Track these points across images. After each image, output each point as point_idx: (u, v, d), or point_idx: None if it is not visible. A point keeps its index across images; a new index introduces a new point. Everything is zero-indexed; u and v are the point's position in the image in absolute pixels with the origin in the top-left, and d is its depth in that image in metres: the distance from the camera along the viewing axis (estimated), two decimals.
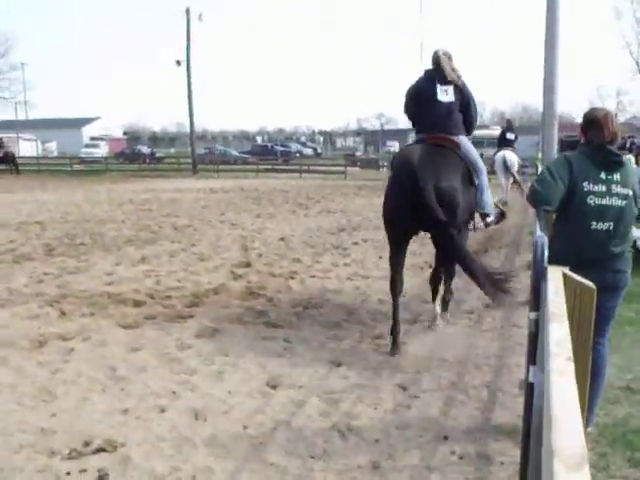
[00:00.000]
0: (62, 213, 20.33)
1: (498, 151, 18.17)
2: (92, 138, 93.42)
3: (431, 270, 8.32)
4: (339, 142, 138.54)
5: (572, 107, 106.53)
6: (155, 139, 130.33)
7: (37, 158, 63.23)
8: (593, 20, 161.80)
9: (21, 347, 6.87)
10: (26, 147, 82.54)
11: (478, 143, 12.67)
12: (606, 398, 5.40)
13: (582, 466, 1.14)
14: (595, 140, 4.78)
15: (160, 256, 12.43)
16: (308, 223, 18.02)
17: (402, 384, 5.96)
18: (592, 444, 4.62)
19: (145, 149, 78.14)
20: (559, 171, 4.77)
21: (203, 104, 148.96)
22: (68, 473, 4.28)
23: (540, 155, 18.39)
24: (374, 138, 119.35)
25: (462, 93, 7.61)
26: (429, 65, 7.73)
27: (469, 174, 7.37)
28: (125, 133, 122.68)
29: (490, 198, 7.90)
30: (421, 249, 13.43)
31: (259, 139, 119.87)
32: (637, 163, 16.18)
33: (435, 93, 7.44)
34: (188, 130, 56.66)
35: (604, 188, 4.67)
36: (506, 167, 17.22)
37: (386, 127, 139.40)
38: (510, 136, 16.44)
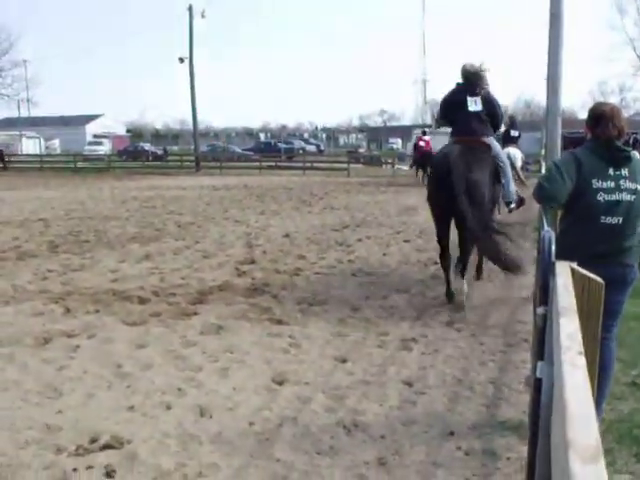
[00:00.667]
0: (66, 210, 20.36)
1: (502, 148, 18.26)
2: (95, 136, 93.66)
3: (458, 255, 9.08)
4: (342, 139, 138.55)
5: (574, 103, 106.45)
6: (158, 136, 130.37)
7: (40, 156, 63.30)
8: (596, 16, 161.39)
9: (26, 344, 6.88)
10: (29, 145, 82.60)
11: None
12: (612, 394, 5.40)
13: (598, 458, 1.14)
14: (602, 136, 4.78)
15: (164, 253, 12.44)
16: (312, 220, 18.03)
17: (407, 380, 5.95)
18: None
19: (148, 146, 78.18)
20: (567, 168, 4.80)
21: (206, 101, 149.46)
22: (75, 469, 4.29)
23: (543, 152, 18.37)
24: (377, 135, 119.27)
25: (488, 101, 9.00)
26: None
27: (497, 171, 8.90)
28: (128, 130, 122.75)
29: (514, 189, 9.43)
30: (426, 245, 13.45)
31: (262, 136, 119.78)
32: None
33: (466, 104, 8.88)
34: (191, 127, 56.75)
35: (613, 184, 4.68)
36: (510, 163, 17.37)
37: (389, 124, 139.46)
38: (514, 133, 16.52)
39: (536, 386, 2.79)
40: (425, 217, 18.42)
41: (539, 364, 2.78)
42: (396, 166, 47.52)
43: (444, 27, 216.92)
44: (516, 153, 16.04)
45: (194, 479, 4.21)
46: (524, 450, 4.29)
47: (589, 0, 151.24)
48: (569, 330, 1.98)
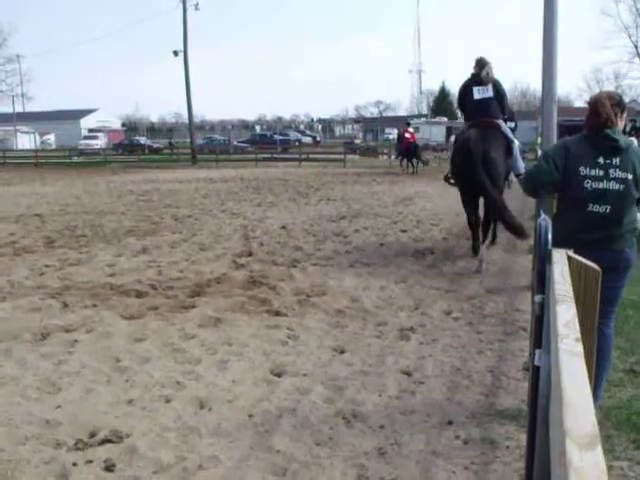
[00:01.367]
0: (62, 205, 20.33)
1: None
2: (90, 130, 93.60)
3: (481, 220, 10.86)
4: (338, 130, 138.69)
5: (570, 91, 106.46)
6: (153, 130, 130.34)
7: (35, 151, 63.22)
8: (590, 3, 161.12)
9: (24, 339, 6.87)
10: (24, 140, 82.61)
11: None
12: (610, 381, 5.42)
13: (595, 445, 1.14)
14: (592, 125, 4.81)
15: (161, 247, 12.43)
16: (308, 211, 18.02)
17: (406, 370, 5.96)
18: None
19: (144, 140, 78.17)
20: (555, 157, 4.94)
21: (201, 94, 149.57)
22: (75, 464, 4.29)
23: (539, 140, 18.59)
24: (373, 126, 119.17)
25: (497, 90, 10.62)
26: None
27: (508, 146, 10.50)
28: (123, 124, 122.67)
29: (521, 162, 11.06)
30: (423, 235, 13.48)
31: (258, 128, 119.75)
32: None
33: (473, 92, 10.53)
34: (186, 121, 56.66)
35: (601, 172, 4.71)
36: None
37: (385, 114, 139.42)
38: (511, 124, 16.79)
39: (534, 374, 2.80)
40: (421, 207, 18.52)
41: (537, 352, 2.79)
42: (392, 157, 47.48)
43: (439, 17, 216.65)
44: (515, 142, 16.28)
45: (194, 472, 4.22)
46: (523, 438, 4.30)
47: None
48: (566, 318, 1.98)
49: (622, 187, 4.71)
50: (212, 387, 5.59)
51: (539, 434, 2.57)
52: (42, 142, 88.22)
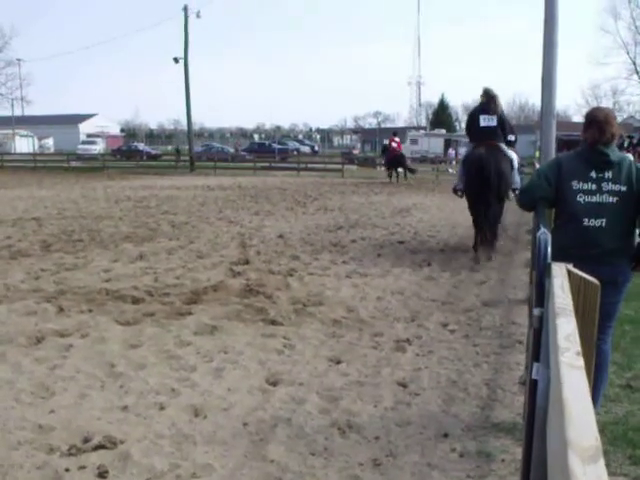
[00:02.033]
0: (59, 209, 20.31)
1: None
2: (89, 135, 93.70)
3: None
4: (336, 140, 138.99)
5: (569, 106, 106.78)
6: (152, 136, 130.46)
7: (33, 155, 63.14)
8: (590, 20, 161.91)
9: (19, 343, 6.85)
10: (22, 143, 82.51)
11: None
12: (607, 396, 5.42)
13: (598, 458, 1.13)
14: (590, 139, 4.83)
15: (158, 253, 12.41)
16: (306, 221, 18.02)
17: (402, 381, 5.95)
18: None
19: (142, 146, 78.24)
20: (548, 173, 5.05)
21: (200, 101, 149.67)
22: (67, 469, 4.28)
23: (538, 154, 18.69)
24: (371, 136, 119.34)
25: (501, 120, 12.40)
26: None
27: (511, 163, 12.24)
28: (122, 130, 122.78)
29: (518, 177, 12.68)
30: (421, 246, 13.49)
31: (256, 137, 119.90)
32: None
33: (479, 119, 12.24)
34: (185, 127, 56.66)
35: (594, 186, 4.75)
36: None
37: (383, 125, 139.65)
38: (511, 138, 17.12)
39: (531, 387, 2.79)
40: (419, 218, 18.53)
41: (535, 365, 2.78)
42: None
43: (439, 30, 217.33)
44: (513, 155, 16.62)
45: None
46: (519, 452, 4.30)
47: (583, 3, 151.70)
48: (567, 331, 1.98)
49: (616, 200, 4.73)
50: (207, 395, 5.58)
51: (536, 447, 2.56)
52: (40, 146, 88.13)
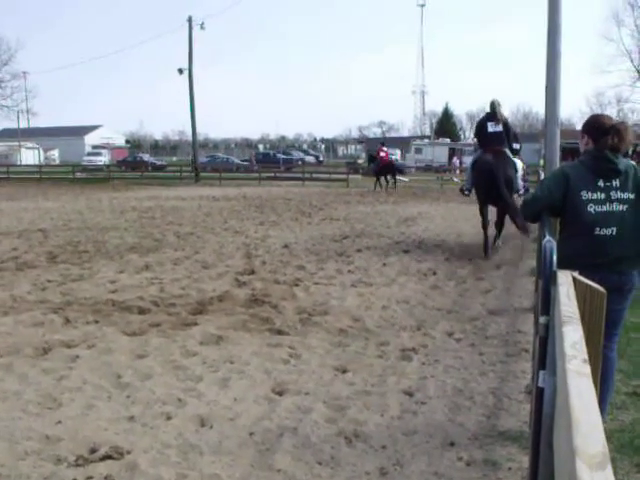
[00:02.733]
0: (65, 221, 20.35)
1: None
2: (94, 146, 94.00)
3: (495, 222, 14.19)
4: (341, 150, 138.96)
5: (573, 114, 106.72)
6: (157, 147, 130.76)
7: (39, 166, 63.29)
8: (593, 27, 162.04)
9: (25, 354, 6.86)
10: (28, 155, 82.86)
11: None
12: (613, 404, 5.40)
13: (605, 465, 1.13)
14: (602, 146, 4.80)
15: (164, 264, 12.43)
16: (311, 231, 18.03)
17: (408, 390, 5.94)
18: None
19: (147, 157, 78.47)
20: (553, 184, 5.00)
21: (205, 112, 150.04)
22: None
23: (542, 162, 18.80)
24: (376, 146, 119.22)
25: (506, 126, 13.86)
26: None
27: (515, 167, 13.54)
28: (127, 141, 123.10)
29: (521, 181, 14.25)
30: (426, 255, 13.48)
31: (261, 147, 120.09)
32: None
33: (487, 127, 13.66)
34: (190, 138, 56.79)
35: (603, 195, 4.73)
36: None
37: (387, 135, 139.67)
38: (516, 146, 17.53)
39: (538, 395, 2.79)
40: (424, 227, 18.52)
41: (541, 373, 2.78)
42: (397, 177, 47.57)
43: (442, 39, 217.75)
44: (518, 163, 16.93)
45: None
46: (525, 460, 4.30)
47: (586, 11, 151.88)
48: (573, 339, 1.98)
49: (625, 208, 4.72)
50: (213, 405, 5.57)
51: (542, 455, 2.56)
52: (46, 158, 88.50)
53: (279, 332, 7.75)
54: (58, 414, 5.35)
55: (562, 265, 3.34)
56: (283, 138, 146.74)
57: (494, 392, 5.96)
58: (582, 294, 2.85)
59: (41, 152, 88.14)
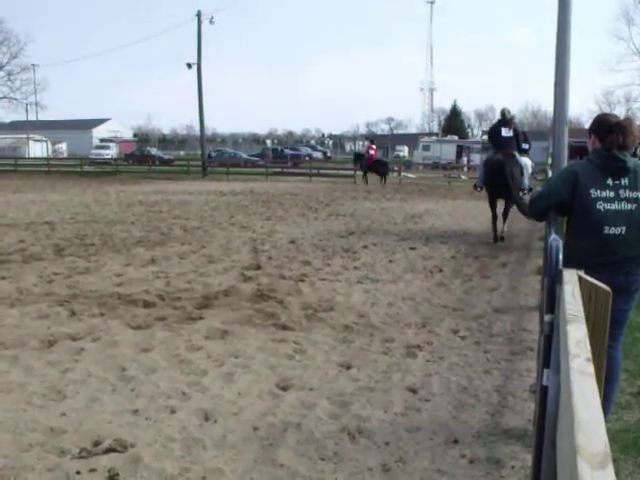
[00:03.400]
0: (72, 214, 20.40)
1: None
2: (102, 140, 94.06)
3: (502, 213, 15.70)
4: (348, 146, 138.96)
5: (582, 113, 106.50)
6: (165, 141, 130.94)
7: (47, 159, 63.43)
8: (603, 26, 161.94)
9: (31, 347, 6.88)
10: (36, 148, 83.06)
11: None
12: (618, 404, 5.39)
13: (606, 464, 1.13)
14: (608, 145, 4.79)
15: (170, 257, 12.44)
16: (318, 226, 18.03)
17: (412, 387, 5.94)
18: None
19: (155, 151, 78.57)
20: (559, 182, 5.01)
21: (213, 107, 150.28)
22: (78, 472, 4.29)
23: (550, 161, 18.89)
24: (384, 142, 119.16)
25: (516, 131, 15.51)
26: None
27: (522, 169, 15.24)
28: (135, 135, 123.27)
29: (527, 180, 15.92)
30: (432, 253, 13.47)
31: (269, 142, 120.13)
32: None
33: (501, 132, 15.24)
34: (198, 133, 56.83)
35: (612, 194, 4.70)
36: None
37: (396, 132, 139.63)
38: (525, 146, 18.39)
39: (542, 394, 2.78)
40: (430, 224, 18.51)
41: (545, 372, 2.77)
42: (402, 174, 47.62)
43: (452, 36, 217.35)
44: (527, 162, 17.65)
45: None
46: (528, 458, 4.29)
47: (596, 9, 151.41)
48: (577, 337, 1.97)
49: (634, 206, 4.70)
50: (218, 399, 5.58)
51: (546, 454, 2.55)
52: (54, 150, 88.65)
53: (284, 327, 7.75)
54: (62, 406, 5.37)
55: (570, 264, 3.34)
56: (291, 134, 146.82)
57: (498, 390, 5.96)
58: (587, 293, 2.85)
59: (49, 145, 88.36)
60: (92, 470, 4.32)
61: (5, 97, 74.33)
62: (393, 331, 7.72)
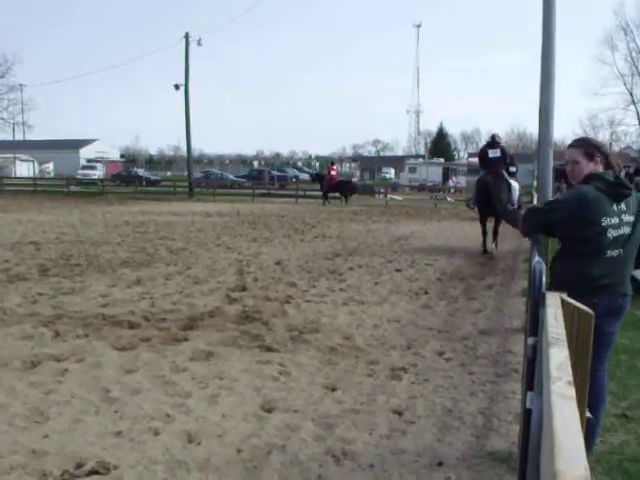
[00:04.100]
0: (57, 234, 20.30)
1: None
2: (89, 160, 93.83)
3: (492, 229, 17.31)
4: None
5: (566, 135, 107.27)
6: (152, 162, 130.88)
7: (34, 179, 63.23)
8: (587, 50, 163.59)
9: (14, 367, 6.82)
10: (23, 168, 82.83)
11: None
12: (602, 425, 5.38)
13: None
14: (611, 167, 4.81)
15: (155, 278, 12.40)
16: (304, 248, 18.02)
17: (397, 409, 5.92)
18: None
19: (142, 172, 78.53)
20: (565, 207, 4.78)
21: (200, 128, 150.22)
22: None
23: (535, 184, 19.11)
24: (370, 164, 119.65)
25: (503, 152, 16.95)
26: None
27: (509, 186, 16.52)
28: (122, 156, 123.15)
29: (516, 197, 16.96)
30: (418, 275, 13.48)
31: (256, 164, 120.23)
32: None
33: (488, 153, 16.80)
34: (185, 153, 56.76)
35: (617, 220, 4.68)
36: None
37: (382, 154, 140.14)
38: (512, 169, 19.28)
39: (525, 417, 2.78)
40: (416, 247, 18.54)
41: (529, 394, 2.78)
42: (389, 195, 47.77)
43: (439, 59, 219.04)
44: (515, 185, 18.28)
45: None
46: None
47: (581, 35, 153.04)
48: (559, 360, 1.98)
49: (630, 230, 4.71)
50: (202, 421, 5.54)
51: (530, 477, 2.55)
52: (41, 170, 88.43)
53: (269, 349, 7.73)
54: (45, 428, 5.31)
55: (571, 287, 3.34)
56: (278, 155, 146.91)
57: (483, 412, 5.95)
58: (570, 315, 2.86)
59: (36, 165, 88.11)
60: None
61: None
62: (378, 353, 7.71)
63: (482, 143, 18.58)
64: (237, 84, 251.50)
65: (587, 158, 4.87)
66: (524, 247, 17.03)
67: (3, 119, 74.91)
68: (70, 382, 6.43)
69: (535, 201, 14.25)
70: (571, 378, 1.82)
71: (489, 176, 16.54)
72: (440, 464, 4.86)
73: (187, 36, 50.69)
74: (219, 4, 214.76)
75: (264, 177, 71.47)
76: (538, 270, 3.20)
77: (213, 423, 5.50)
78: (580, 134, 67.97)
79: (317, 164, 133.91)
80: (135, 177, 68.71)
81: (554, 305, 2.81)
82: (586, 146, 4.97)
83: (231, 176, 75.78)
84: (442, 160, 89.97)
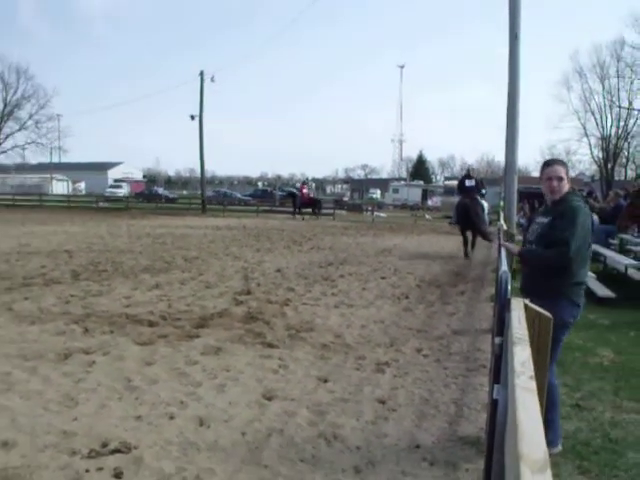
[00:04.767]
0: (88, 244, 20.23)
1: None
2: (116, 180, 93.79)
3: (470, 240, 18.60)
4: (329, 188, 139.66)
5: (528, 163, 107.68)
6: (170, 182, 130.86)
7: (68, 196, 63.23)
8: (547, 91, 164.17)
9: (49, 359, 6.80)
10: (59, 186, 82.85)
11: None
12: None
13: (545, 469, 1.13)
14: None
15: (172, 283, 12.36)
16: (301, 257, 17.99)
17: (381, 399, 5.91)
18: None
19: (161, 190, 78.50)
20: (588, 224, 4.67)
21: (213, 152, 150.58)
22: (87, 470, 4.22)
23: (502, 204, 19.26)
24: (359, 186, 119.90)
25: (477, 182, 18.61)
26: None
27: (483, 208, 18.23)
28: (144, 176, 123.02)
29: (486, 218, 19.07)
30: (400, 282, 13.45)
31: (260, 184, 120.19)
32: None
33: (465, 182, 18.59)
34: (199, 175, 56.72)
35: None
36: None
37: (370, 176, 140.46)
38: (483, 191, 19.57)
39: (492, 406, 2.78)
40: (399, 257, 18.51)
41: (495, 387, 2.77)
42: (375, 213, 47.81)
43: (420, 94, 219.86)
44: (485, 204, 19.68)
45: None
46: (481, 462, 4.27)
47: (541, 77, 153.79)
48: (522, 357, 1.98)
49: None
50: (211, 407, 5.52)
51: (495, 459, 2.54)
52: (74, 189, 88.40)
53: (270, 345, 7.71)
54: (75, 412, 5.29)
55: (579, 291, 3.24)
56: (279, 177, 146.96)
57: (456, 402, 5.93)
58: (531, 319, 2.86)
59: (70, 184, 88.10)
60: (99, 469, 4.26)
61: (33, 142, 73.63)
62: (365, 350, 7.69)
63: (456, 168, 19.92)
64: (245, 114, 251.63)
65: (567, 176, 4.85)
66: (491, 258, 17.07)
67: (42, 144, 74.75)
68: (97, 372, 6.41)
69: (502, 219, 14.25)
70: (533, 373, 1.82)
71: (467, 200, 18.08)
72: (418, 447, 4.84)
73: (202, 74, 50.76)
74: (231, 45, 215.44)
75: (274, 197, 71.37)
76: (504, 279, 3.19)
77: (221, 409, 5.48)
78: (540, 162, 68.22)
79: (313, 185, 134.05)
80: (155, 195, 68.61)
81: (518, 309, 2.81)
82: (566, 166, 4.95)
83: (239, 195, 75.80)
84: (422, 182, 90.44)
